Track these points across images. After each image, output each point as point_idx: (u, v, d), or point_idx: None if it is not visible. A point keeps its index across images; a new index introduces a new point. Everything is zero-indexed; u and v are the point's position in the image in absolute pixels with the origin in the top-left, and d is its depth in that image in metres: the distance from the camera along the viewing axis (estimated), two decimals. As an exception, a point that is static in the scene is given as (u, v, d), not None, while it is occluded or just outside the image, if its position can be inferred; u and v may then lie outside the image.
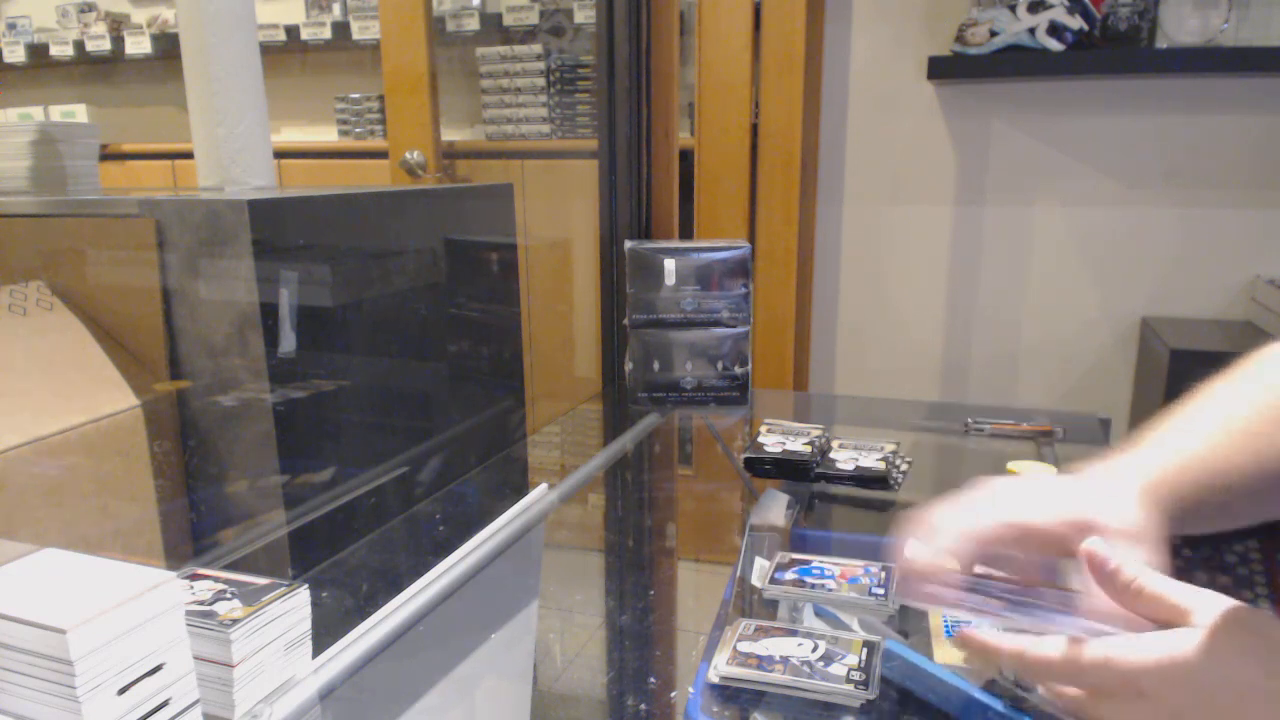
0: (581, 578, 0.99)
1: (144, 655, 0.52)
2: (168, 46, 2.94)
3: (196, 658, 0.56)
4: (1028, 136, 1.91)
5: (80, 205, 1.04)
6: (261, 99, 1.30)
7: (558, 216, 2.40)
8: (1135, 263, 1.90)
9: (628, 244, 1.32)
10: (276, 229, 0.94)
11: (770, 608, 0.75)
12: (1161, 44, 1.73)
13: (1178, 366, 1.59)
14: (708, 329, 1.32)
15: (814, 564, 0.78)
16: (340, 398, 1.04)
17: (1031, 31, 1.72)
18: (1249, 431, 0.62)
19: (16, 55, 3.11)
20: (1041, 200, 1.93)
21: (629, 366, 1.34)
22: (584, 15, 2.48)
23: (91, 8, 3.04)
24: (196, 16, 1.22)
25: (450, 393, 1.28)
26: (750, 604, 0.76)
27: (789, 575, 0.76)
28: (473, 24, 2.57)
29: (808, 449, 1.08)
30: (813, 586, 0.74)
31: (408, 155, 2.36)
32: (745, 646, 0.66)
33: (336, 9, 2.83)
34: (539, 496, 1.03)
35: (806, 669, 0.63)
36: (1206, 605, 0.49)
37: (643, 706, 0.68)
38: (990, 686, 0.62)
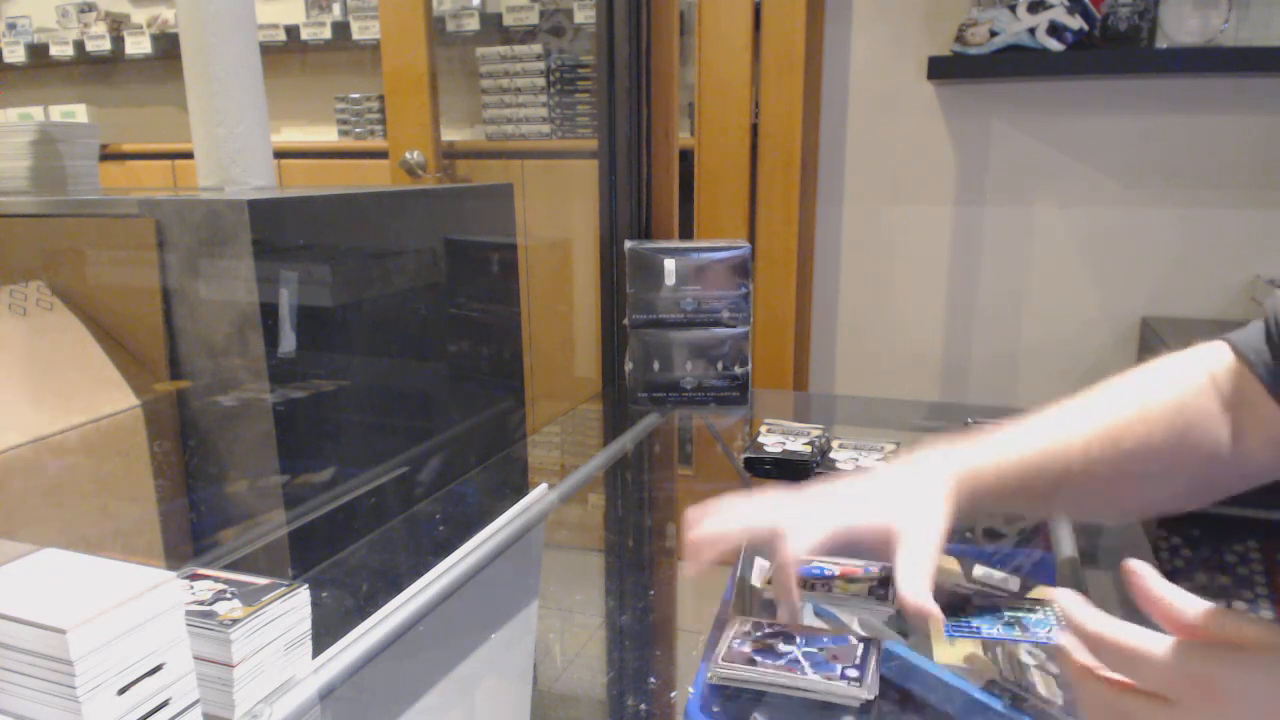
0: (581, 578, 0.99)
1: (144, 655, 0.52)
2: (168, 46, 2.94)
3: (196, 658, 0.56)
4: (1028, 136, 1.91)
5: (80, 205, 1.04)
6: (261, 99, 1.30)
7: (558, 216, 2.40)
8: (1135, 263, 1.90)
9: (628, 244, 1.32)
10: (276, 229, 0.94)
11: (770, 608, 0.75)
12: (1161, 44, 1.73)
13: (1178, 366, 1.59)
14: (708, 329, 1.32)
15: (814, 563, 0.78)
16: (340, 398, 1.04)
17: (1031, 31, 1.72)
18: (1102, 426, 0.68)
19: (16, 55, 3.11)
20: (1041, 200, 1.93)
21: (629, 366, 1.34)
22: (584, 15, 2.48)
23: (91, 8, 3.04)
24: (196, 16, 1.22)
25: (450, 393, 1.28)
26: (750, 604, 0.76)
27: None
28: (473, 24, 2.57)
29: (808, 449, 1.09)
30: (813, 586, 0.74)
31: (408, 155, 2.36)
32: (745, 646, 0.66)
33: (336, 9, 2.83)
34: (539, 496, 1.03)
35: (806, 669, 0.63)
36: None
37: (643, 706, 0.68)
38: (990, 686, 0.62)
